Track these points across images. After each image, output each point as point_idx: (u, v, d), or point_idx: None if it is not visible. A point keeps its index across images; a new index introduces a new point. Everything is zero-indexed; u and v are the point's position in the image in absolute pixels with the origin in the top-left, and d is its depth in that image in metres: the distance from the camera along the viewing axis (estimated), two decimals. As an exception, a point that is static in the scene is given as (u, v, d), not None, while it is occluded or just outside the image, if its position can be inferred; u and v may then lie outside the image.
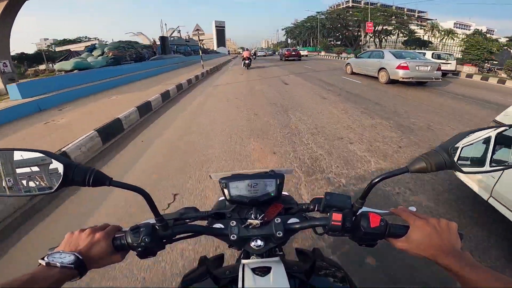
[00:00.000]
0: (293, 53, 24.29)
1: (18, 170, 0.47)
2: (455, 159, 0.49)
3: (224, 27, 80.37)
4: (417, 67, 8.29)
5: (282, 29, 77.02)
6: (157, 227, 0.55)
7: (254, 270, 0.55)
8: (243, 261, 0.59)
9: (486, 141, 0.51)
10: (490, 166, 0.51)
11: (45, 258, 0.45)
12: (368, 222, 0.52)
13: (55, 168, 0.46)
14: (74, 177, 0.47)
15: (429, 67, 8.41)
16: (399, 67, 8.34)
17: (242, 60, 16.79)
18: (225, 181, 0.62)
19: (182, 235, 0.58)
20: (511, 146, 0.50)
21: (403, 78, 8.29)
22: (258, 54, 36.50)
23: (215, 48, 70.14)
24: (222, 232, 0.58)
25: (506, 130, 0.50)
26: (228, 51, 78.74)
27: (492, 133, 0.50)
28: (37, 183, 0.47)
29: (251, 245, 0.56)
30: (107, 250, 0.51)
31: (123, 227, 0.57)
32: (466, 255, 0.46)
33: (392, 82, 8.80)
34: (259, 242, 0.56)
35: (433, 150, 0.51)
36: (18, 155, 0.47)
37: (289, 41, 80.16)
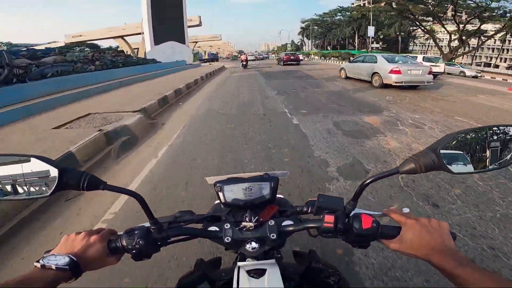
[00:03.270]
0: (292, 57, 24.38)
1: (14, 175, 0.48)
2: (444, 159, 0.50)
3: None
4: (409, 71, 8.49)
5: (303, 22, 53.82)
6: (151, 230, 0.56)
7: (249, 272, 0.55)
8: (239, 263, 0.59)
9: (475, 142, 0.52)
10: (480, 166, 0.52)
11: (40, 261, 0.46)
12: (360, 223, 0.52)
13: (50, 172, 0.48)
14: (68, 181, 0.49)
15: (420, 71, 8.62)
16: (391, 71, 8.51)
17: (241, 62, 22.41)
18: (220, 185, 0.63)
19: (176, 238, 0.59)
20: (499, 146, 0.51)
21: (395, 83, 8.44)
22: (249, 59, 29.63)
23: (147, 50, 24.31)
24: (217, 235, 0.58)
25: (495, 130, 0.51)
26: (215, 54, 53.23)
27: (481, 133, 0.51)
28: (33, 187, 0.49)
29: (246, 247, 0.57)
30: (102, 253, 0.53)
31: (118, 231, 0.59)
32: (459, 254, 0.46)
33: (385, 86, 8.93)
34: (254, 244, 0.57)
35: (423, 152, 0.52)
36: (13, 160, 0.48)
37: (306, 41, 58.39)
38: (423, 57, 13.87)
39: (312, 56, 44.03)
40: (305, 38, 59.62)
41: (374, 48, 41.67)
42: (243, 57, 22.57)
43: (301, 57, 29.78)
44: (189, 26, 34.64)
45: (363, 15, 38.02)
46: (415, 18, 29.30)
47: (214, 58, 47.47)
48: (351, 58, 15.35)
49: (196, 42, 53.56)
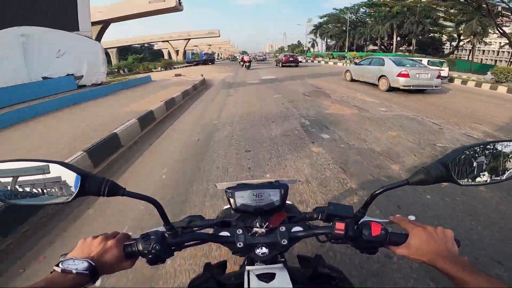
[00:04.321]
0: (291, 59, 24.04)
1: (36, 180, 0.49)
2: (453, 172, 0.53)
3: None
4: (417, 75, 8.35)
5: (321, 17, 45.06)
6: (166, 235, 0.57)
7: (259, 276, 0.57)
8: (248, 267, 0.61)
9: (483, 155, 0.54)
10: (486, 179, 0.54)
11: (60, 265, 0.47)
12: (369, 231, 0.55)
13: (71, 178, 0.49)
14: (89, 187, 0.49)
15: (429, 75, 8.49)
16: (399, 75, 8.38)
17: (243, 63, 21.79)
18: (231, 191, 0.64)
19: (190, 243, 0.61)
20: (506, 159, 0.54)
21: (403, 86, 8.34)
22: (245, 60, 27.72)
23: None
24: (229, 240, 0.60)
25: (502, 144, 0.54)
26: (210, 55, 38.86)
27: (489, 147, 0.54)
28: (55, 192, 0.49)
29: (256, 252, 0.59)
30: (118, 257, 0.53)
31: (133, 235, 0.60)
32: (463, 260, 0.48)
33: (392, 89, 8.82)
34: (264, 249, 0.58)
35: (432, 164, 0.54)
36: (36, 166, 0.49)
37: (319, 41, 49.36)
38: (428, 60, 13.82)
39: (351, 59, 27.25)
40: (318, 38, 49.99)
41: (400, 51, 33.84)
42: (246, 58, 23.32)
43: (300, 58, 28.12)
44: (161, 11, 23.65)
45: (409, 9, 29.48)
46: (490, 15, 21.31)
47: (208, 59, 35.69)
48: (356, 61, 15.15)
49: (189, 39, 43.43)
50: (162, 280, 1.59)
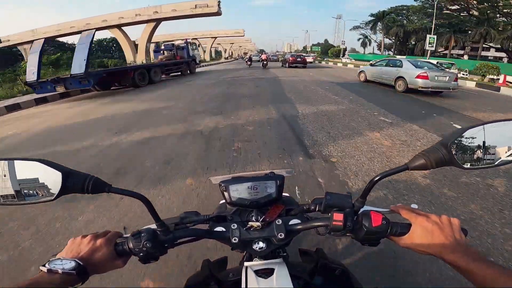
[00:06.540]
0: (298, 59, 22.86)
1: (17, 179, 0.48)
2: (455, 155, 0.50)
3: None
4: (436, 77, 8.39)
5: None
6: (158, 232, 0.55)
7: (257, 272, 0.56)
8: (246, 263, 0.60)
9: (485, 136, 0.51)
10: (490, 161, 0.51)
11: (46, 265, 0.46)
12: (370, 221, 0.52)
13: (54, 176, 0.47)
14: (72, 184, 0.48)
15: (447, 77, 8.50)
16: (419, 76, 8.45)
17: (261, 61, 22.59)
18: (225, 184, 0.63)
19: (183, 239, 0.59)
20: (510, 139, 0.51)
21: (422, 88, 8.38)
22: (253, 59, 28.13)
23: None
24: (224, 236, 0.58)
25: (505, 124, 0.51)
26: (180, 49, 16.34)
27: (491, 127, 0.50)
28: (36, 191, 0.48)
29: (253, 247, 0.57)
30: (109, 256, 0.52)
31: (125, 233, 0.59)
32: (472, 250, 0.46)
33: (409, 91, 8.87)
34: (261, 244, 0.57)
35: (432, 147, 0.51)
36: (16, 165, 0.48)
37: (376, 38, 35.25)
38: (437, 62, 13.78)
39: None
40: (374, 35, 35.19)
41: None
42: (263, 56, 24.68)
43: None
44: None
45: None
46: None
47: (173, 62, 15.16)
48: (371, 62, 15.17)
49: (158, 20, 20.86)
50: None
